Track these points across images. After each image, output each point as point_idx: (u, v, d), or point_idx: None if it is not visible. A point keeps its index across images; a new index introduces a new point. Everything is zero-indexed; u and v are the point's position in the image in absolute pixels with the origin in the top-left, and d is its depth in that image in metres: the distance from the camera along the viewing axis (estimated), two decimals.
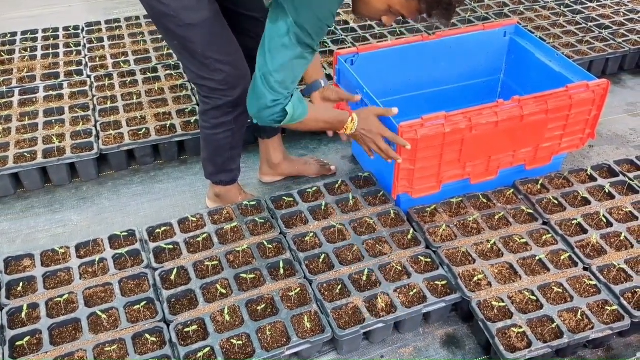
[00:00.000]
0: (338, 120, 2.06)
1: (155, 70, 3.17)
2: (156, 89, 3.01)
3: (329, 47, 3.32)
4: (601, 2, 3.82)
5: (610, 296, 1.97)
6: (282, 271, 2.04)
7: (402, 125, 2.09)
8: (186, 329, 1.88)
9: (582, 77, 2.41)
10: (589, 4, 3.78)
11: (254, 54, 1.84)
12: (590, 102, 2.33)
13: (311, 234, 2.18)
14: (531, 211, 2.28)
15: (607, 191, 2.36)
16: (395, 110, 2.10)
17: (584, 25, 3.52)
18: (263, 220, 2.23)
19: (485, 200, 2.33)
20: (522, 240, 2.15)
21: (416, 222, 2.24)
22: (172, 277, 2.03)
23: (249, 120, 2.10)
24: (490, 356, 1.94)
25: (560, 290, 1.98)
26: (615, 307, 1.92)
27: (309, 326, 1.87)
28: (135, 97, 2.94)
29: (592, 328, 1.87)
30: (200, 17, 1.91)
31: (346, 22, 3.60)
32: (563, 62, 2.52)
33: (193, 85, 2.01)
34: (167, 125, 2.74)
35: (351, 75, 2.42)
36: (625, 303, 1.93)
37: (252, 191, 2.56)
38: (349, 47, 3.34)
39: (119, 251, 2.13)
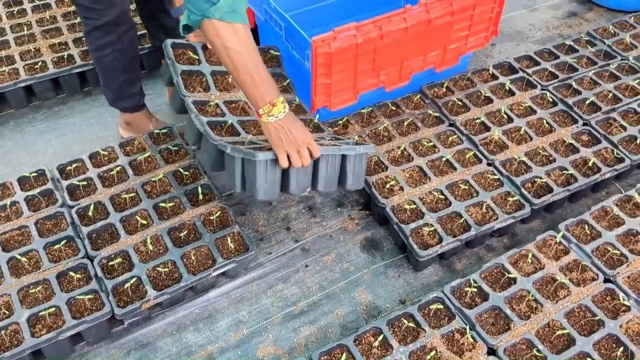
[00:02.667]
0: (260, 83, 1.60)
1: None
2: (47, 17, 2.82)
3: None
4: None
5: (512, 187, 2.11)
6: (201, 197, 2.06)
7: (315, 39, 2.08)
8: (110, 262, 1.89)
9: None
10: None
11: None
12: (492, 0, 2.38)
13: None
14: (438, 114, 2.36)
15: (507, 88, 2.47)
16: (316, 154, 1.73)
17: None
18: (177, 148, 2.22)
19: (394, 108, 2.40)
20: (430, 144, 2.24)
21: None
22: (90, 213, 2.01)
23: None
24: (406, 254, 2.06)
25: (467, 187, 2.11)
26: (516, 197, 2.07)
27: (232, 246, 1.92)
28: (26, 28, 2.76)
29: (497, 219, 2.01)
30: None
31: None
32: None
33: None
34: (65, 56, 2.60)
35: None
36: (525, 192, 2.08)
37: (164, 118, 2.51)
38: None
39: (31, 193, 2.07)
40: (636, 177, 2.33)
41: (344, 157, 1.85)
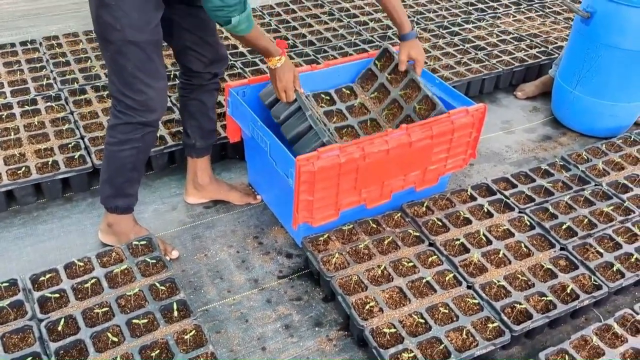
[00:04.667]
0: (269, 50, 2.17)
1: (34, 102, 3.02)
2: (36, 122, 2.87)
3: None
4: (476, 23, 4.07)
5: (492, 312, 2.10)
6: (175, 313, 2.01)
7: (299, 158, 2.12)
8: None
9: (462, 102, 2.57)
10: (466, 26, 4.02)
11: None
12: (471, 126, 2.48)
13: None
14: (418, 233, 2.38)
15: (485, 210, 2.51)
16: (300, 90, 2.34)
17: (461, 46, 3.73)
18: (154, 260, 2.19)
19: (375, 225, 2.42)
20: (410, 264, 2.25)
21: (310, 252, 2.29)
22: (60, 328, 1.94)
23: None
24: None
25: (447, 311, 2.09)
26: (496, 323, 2.05)
27: None
28: (12, 133, 2.79)
29: (477, 345, 1.98)
30: (142, 38, 1.97)
31: (235, 47, 3.61)
32: (443, 88, 2.68)
33: (111, 100, 2.10)
34: (50, 162, 2.62)
35: (243, 107, 2.43)
36: (505, 318, 2.06)
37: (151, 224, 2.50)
38: (239, 72, 3.35)
39: (0, 303, 2.01)
40: (614, 304, 2.33)
41: None
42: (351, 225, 2.39)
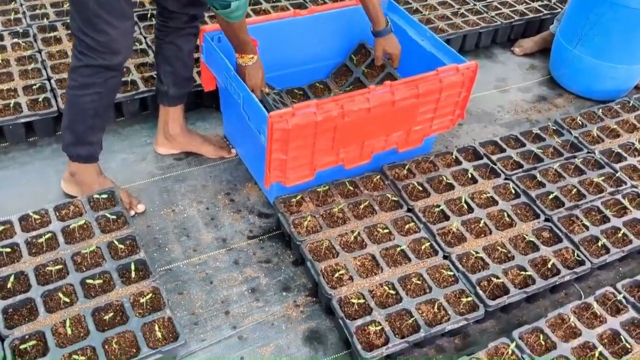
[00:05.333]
0: (246, 46, 2.11)
1: (0, 37, 2.83)
2: (0, 60, 2.69)
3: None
4: None
5: (467, 285, 2.00)
6: (133, 274, 1.90)
7: (272, 115, 1.98)
8: (23, 345, 1.71)
9: (452, 58, 2.40)
10: None
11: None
12: (460, 85, 2.32)
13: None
14: (396, 198, 2.26)
15: (470, 175, 2.38)
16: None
17: None
18: (115, 216, 2.07)
19: (352, 188, 2.29)
20: (385, 230, 2.13)
21: (281, 213, 2.17)
22: (10, 285, 1.84)
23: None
24: (351, 350, 1.92)
25: (419, 282, 1.99)
26: (471, 297, 1.95)
27: (160, 335, 1.76)
28: None
29: (448, 320, 1.89)
30: None
31: None
32: (434, 42, 2.50)
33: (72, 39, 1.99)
34: (11, 104, 2.46)
35: (217, 54, 2.26)
36: (480, 292, 1.97)
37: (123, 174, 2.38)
38: None
39: None
40: (596, 279, 2.24)
41: None
42: (327, 187, 2.27)
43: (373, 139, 2.27)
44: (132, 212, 2.26)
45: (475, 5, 3.43)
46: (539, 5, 3.51)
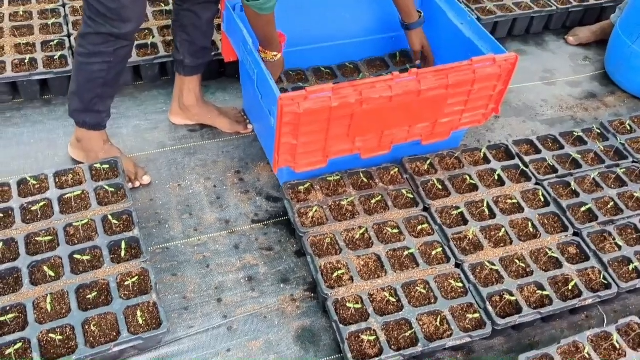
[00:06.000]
0: (273, 42, 1.99)
1: None
2: (21, 12, 2.61)
3: None
4: None
5: (477, 299, 1.85)
6: (123, 252, 1.82)
7: (283, 97, 1.83)
8: (2, 317, 1.66)
9: (492, 47, 2.19)
10: None
11: None
12: (496, 78, 2.12)
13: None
14: (413, 195, 2.11)
15: (497, 176, 2.20)
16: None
17: None
18: (113, 189, 1.98)
19: (366, 179, 2.14)
20: (395, 230, 1.99)
21: (288, 200, 2.05)
22: None
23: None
24: (342, 355, 1.81)
25: (425, 291, 1.85)
26: (478, 313, 1.80)
27: (141, 321, 1.68)
28: None
29: (451, 335, 1.75)
30: None
31: None
32: (474, 27, 2.29)
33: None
34: (27, 60, 2.39)
35: (237, 25, 2.12)
36: (490, 308, 1.81)
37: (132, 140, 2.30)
38: None
39: None
40: (623, 303, 2.05)
41: None
42: (339, 176, 2.13)
43: (394, 129, 2.10)
44: (137, 184, 2.17)
45: None
46: None
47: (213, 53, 2.50)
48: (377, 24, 2.55)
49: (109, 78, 1.99)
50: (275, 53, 2.00)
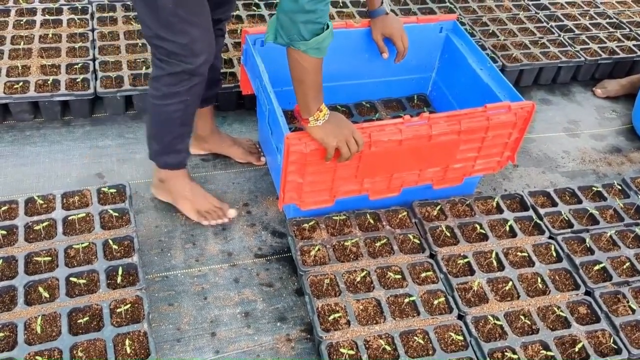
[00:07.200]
0: (317, 97, 1.78)
1: (59, 11, 2.83)
2: (50, 35, 2.68)
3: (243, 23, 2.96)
4: None
5: (477, 354, 1.78)
6: (119, 278, 1.81)
7: (289, 136, 1.83)
8: None
9: (509, 94, 2.17)
10: (558, 0, 3.46)
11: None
12: (511, 125, 2.08)
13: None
14: (420, 240, 2.06)
15: (509, 227, 2.14)
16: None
17: (544, 24, 3.22)
18: (118, 214, 1.98)
19: (372, 221, 2.11)
20: (397, 276, 1.94)
21: (292, 237, 2.02)
22: None
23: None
24: None
25: (423, 342, 1.79)
26: None
27: (129, 350, 1.66)
28: (25, 42, 2.62)
29: None
30: None
31: None
32: (493, 73, 2.26)
33: (147, 45, 1.82)
34: (50, 81, 2.44)
35: (254, 59, 2.13)
36: None
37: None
38: (260, 14, 3.00)
39: None
40: None
41: None
42: (346, 216, 2.09)
43: (403, 172, 2.07)
44: (225, 220, 2.17)
45: (560, 36, 3.13)
46: (633, 45, 3.15)
47: (232, 85, 2.52)
48: (396, 65, 2.53)
49: (186, 117, 1.97)
50: (322, 109, 1.79)
